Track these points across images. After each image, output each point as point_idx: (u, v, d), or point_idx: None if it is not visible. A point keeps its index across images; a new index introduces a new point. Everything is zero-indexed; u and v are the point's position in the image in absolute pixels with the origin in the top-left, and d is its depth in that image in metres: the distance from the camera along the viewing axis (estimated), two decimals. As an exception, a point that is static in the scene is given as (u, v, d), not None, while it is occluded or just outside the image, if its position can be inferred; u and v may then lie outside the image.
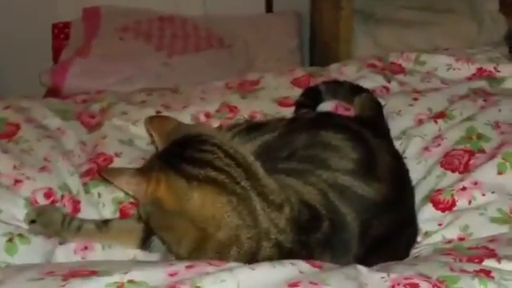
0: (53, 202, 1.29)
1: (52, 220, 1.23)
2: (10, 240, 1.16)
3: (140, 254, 1.23)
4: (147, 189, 1.03)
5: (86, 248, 1.24)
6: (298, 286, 0.88)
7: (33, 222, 1.22)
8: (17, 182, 1.30)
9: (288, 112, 1.58)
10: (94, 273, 0.90)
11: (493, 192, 1.26)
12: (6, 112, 1.52)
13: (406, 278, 0.92)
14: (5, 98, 1.60)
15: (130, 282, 0.87)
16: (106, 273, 0.89)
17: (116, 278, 0.87)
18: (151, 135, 1.20)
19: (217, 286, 0.87)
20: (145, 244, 1.22)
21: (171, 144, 1.11)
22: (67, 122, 1.53)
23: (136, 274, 0.88)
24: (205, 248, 1.02)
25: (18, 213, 1.24)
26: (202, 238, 1.02)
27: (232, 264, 0.96)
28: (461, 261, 1.03)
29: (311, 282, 0.89)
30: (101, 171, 1.10)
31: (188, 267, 0.93)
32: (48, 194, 1.30)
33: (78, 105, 1.66)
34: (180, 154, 1.06)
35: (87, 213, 1.31)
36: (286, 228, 1.04)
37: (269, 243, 1.03)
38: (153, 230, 1.11)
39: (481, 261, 1.02)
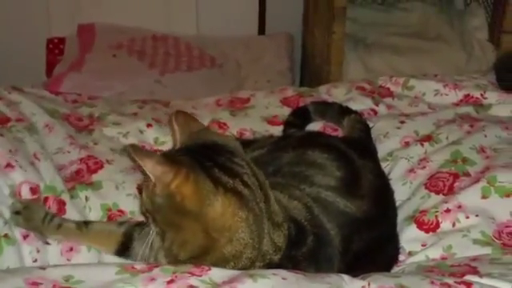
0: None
1: (35, 215, 1.23)
2: None
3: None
4: (172, 181, 0.99)
5: (71, 249, 1.23)
6: None
7: (17, 213, 1.22)
8: (8, 166, 1.28)
9: (277, 130, 1.59)
10: None
11: (476, 215, 1.28)
12: None
13: None
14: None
15: None
16: None
17: None
18: (173, 129, 1.18)
19: None
20: (124, 249, 1.21)
21: (200, 146, 1.09)
22: (56, 119, 1.52)
23: None
24: (205, 258, 1.01)
25: (1, 197, 1.24)
26: (207, 247, 1.01)
27: (213, 276, 0.95)
28: (443, 275, 1.04)
29: None
30: (129, 146, 1.05)
31: (169, 283, 0.92)
32: (34, 190, 1.28)
33: (67, 104, 1.66)
34: (212, 158, 1.04)
35: (72, 216, 1.29)
36: (282, 246, 1.05)
37: (261, 263, 1.03)
38: (155, 223, 1.06)
39: (462, 276, 1.03)
